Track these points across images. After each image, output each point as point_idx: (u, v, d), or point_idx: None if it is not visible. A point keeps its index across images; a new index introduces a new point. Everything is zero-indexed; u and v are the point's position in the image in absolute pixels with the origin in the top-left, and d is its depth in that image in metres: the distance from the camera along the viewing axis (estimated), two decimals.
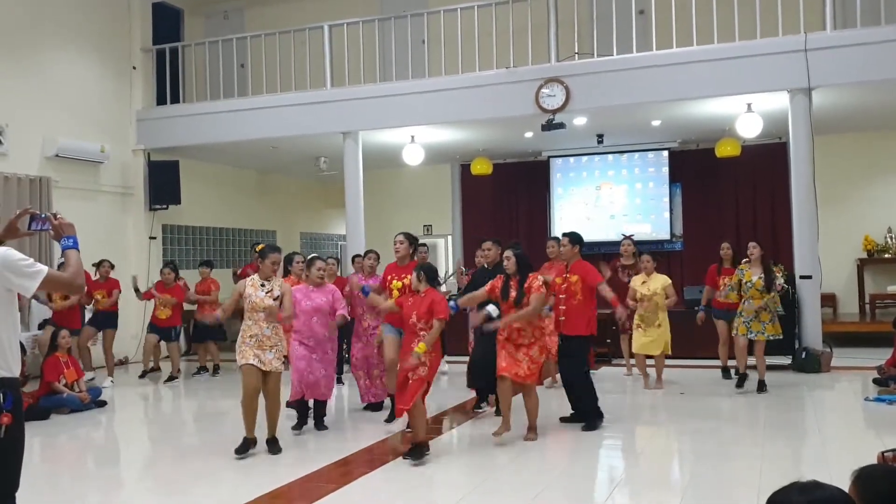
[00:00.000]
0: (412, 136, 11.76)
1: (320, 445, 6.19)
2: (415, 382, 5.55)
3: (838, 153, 12.07)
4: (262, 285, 5.97)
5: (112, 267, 10.04)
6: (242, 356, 5.85)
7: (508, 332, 6.02)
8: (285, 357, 6.10)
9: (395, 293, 6.72)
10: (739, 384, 8.16)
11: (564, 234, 6.96)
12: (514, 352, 6.03)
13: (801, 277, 9.55)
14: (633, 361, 9.09)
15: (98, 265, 9.85)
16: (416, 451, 5.57)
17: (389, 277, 6.92)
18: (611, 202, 13.35)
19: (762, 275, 7.90)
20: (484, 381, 6.76)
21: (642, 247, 11.19)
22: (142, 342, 10.58)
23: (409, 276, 6.38)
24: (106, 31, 11.90)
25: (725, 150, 11.68)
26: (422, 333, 5.63)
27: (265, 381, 5.87)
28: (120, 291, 10.03)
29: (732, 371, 8.63)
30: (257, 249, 6.19)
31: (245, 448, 5.85)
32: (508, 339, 6.04)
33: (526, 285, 6.01)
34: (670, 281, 8.46)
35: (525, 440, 6.12)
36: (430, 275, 5.83)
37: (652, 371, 8.59)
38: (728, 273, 8.61)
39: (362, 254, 8.92)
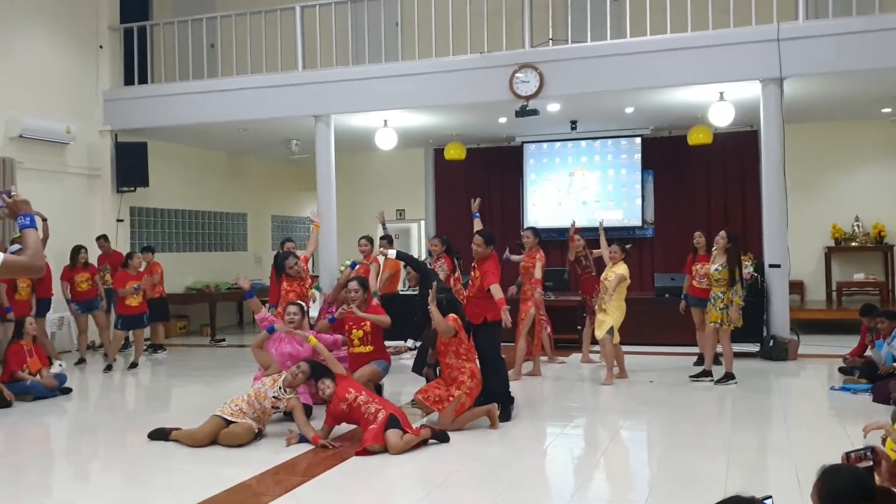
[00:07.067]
0: (385, 121, 11.65)
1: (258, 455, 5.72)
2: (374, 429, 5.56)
3: (808, 142, 12.16)
4: (280, 389, 5.91)
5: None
6: (223, 407, 5.91)
7: (448, 371, 6.19)
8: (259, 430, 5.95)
9: (356, 342, 6.65)
10: (697, 374, 8.11)
11: (479, 234, 6.97)
12: (442, 384, 6.21)
13: (770, 266, 9.63)
14: (595, 348, 9.12)
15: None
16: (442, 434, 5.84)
17: (349, 326, 6.70)
18: (583, 188, 13.36)
19: (724, 265, 7.82)
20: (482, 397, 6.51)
21: (614, 233, 11.29)
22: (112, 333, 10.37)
23: (367, 324, 6.56)
24: (72, 9, 11.60)
25: (697, 137, 11.74)
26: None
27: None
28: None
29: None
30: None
31: None
32: (449, 375, 6.19)
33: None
34: (622, 271, 8.19)
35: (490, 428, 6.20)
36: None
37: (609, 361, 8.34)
38: (702, 260, 8.68)
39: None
